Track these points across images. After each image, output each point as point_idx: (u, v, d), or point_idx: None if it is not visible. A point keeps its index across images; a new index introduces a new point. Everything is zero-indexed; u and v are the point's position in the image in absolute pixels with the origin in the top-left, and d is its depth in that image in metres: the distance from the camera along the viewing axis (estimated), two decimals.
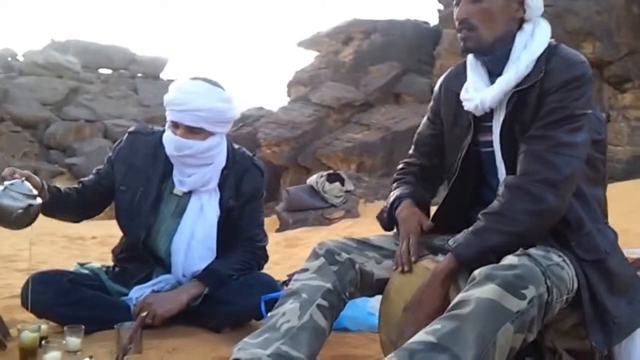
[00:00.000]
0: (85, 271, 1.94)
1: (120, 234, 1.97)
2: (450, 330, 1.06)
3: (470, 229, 1.26)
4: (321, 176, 6.91)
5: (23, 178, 1.58)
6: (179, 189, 1.86)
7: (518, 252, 1.16)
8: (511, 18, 1.34)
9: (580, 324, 1.23)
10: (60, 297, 1.71)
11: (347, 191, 6.93)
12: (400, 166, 1.62)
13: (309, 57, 11.87)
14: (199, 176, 1.84)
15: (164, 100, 1.83)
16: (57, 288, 1.73)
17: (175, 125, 1.81)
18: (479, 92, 1.36)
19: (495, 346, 1.06)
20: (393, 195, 1.51)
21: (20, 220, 1.54)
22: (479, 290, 1.09)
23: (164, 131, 1.89)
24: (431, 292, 1.23)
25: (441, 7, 10.52)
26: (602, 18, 8.55)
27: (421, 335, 1.08)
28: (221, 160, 1.87)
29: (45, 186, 1.72)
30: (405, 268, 1.32)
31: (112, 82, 19.25)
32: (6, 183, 1.56)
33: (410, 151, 1.61)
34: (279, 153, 9.00)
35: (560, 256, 1.20)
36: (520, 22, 1.36)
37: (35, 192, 1.58)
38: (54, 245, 4.80)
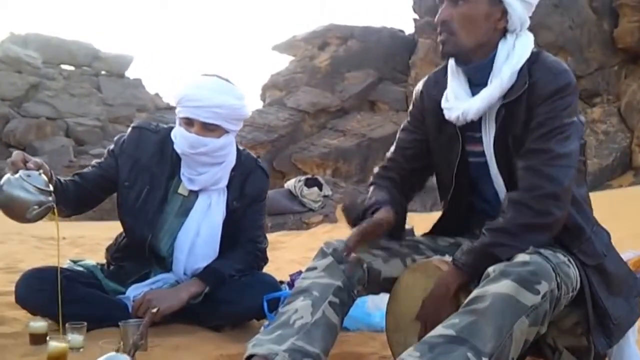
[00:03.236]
0: (80, 268, 1.90)
1: (109, 233, 1.92)
2: (468, 324, 1.11)
3: (476, 244, 1.27)
4: (299, 180, 6.92)
5: (40, 170, 1.52)
6: (185, 188, 1.83)
7: (529, 250, 1.21)
8: (494, 28, 1.32)
9: (580, 322, 1.28)
10: (57, 294, 1.68)
11: (325, 196, 6.97)
12: (377, 170, 1.55)
13: (283, 61, 11.88)
14: (210, 175, 1.81)
15: (175, 96, 1.78)
16: (53, 285, 1.68)
17: (189, 122, 1.76)
18: (460, 102, 1.35)
19: (512, 339, 1.11)
20: (372, 199, 1.43)
21: (34, 217, 1.48)
22: (495, 286, 1.14)
23: (169, 129, 1.86)
24: (445, 304, 1.25)
25: (417, 16, 10.71)
26: (575, 33, 8.88)
27: (439, 329, 1.13)
28: (232, 159, 1.85)
29: (54, 178, 1.65)
30: (344, 253, 1.32)
31: (74, 79, 18.64)
32: (21, 173, 1.48)
33: (390, 154, 1.54)
34: None
35: (565, 256, 1.26)
36: (504, 32, 1.34)
37: (51, 187, 1.52)
38: (25, 244, 4.64)
